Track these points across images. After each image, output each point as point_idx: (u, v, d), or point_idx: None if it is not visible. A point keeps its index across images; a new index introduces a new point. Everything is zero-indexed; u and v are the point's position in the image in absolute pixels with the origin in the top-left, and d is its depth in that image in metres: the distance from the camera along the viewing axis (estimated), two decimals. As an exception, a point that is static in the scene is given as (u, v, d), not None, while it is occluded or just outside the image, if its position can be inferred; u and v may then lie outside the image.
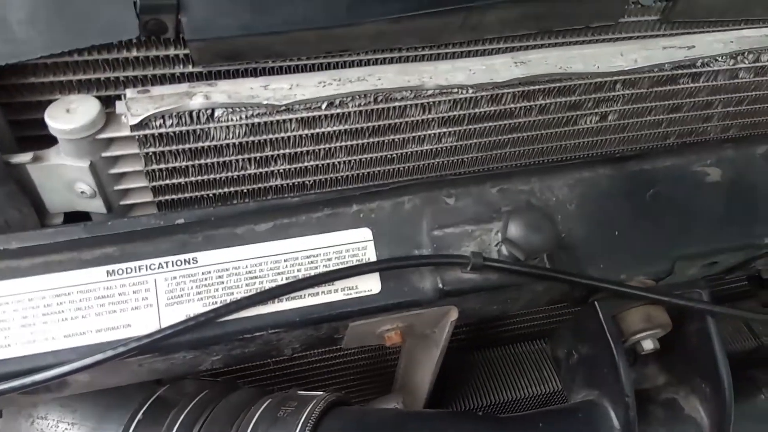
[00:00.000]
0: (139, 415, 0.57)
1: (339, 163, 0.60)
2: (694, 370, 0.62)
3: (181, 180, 0.56)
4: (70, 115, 0.49)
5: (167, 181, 0.55)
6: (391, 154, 0.61)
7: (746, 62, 0.64)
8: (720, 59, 0.63)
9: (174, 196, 0.57)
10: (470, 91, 0.56)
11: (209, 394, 0.61)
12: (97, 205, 0.55)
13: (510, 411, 0.90)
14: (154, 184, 0.55)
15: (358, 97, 0.54)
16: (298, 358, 0.86)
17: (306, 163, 0.58)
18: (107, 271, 0.52)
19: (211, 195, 0.58)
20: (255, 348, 0.56)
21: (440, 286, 0.56)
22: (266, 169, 0.57)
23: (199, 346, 0.53)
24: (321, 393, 0.60)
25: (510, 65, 0.58)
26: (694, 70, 0.62)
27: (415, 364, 0.75)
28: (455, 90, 0.56)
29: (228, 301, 0.52)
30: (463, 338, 0.86)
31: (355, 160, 0.60)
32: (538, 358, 0.88)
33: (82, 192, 0.53)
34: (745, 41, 0.64)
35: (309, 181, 0.61)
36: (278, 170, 0.58)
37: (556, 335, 0.66)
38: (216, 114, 0.52)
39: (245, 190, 0.59)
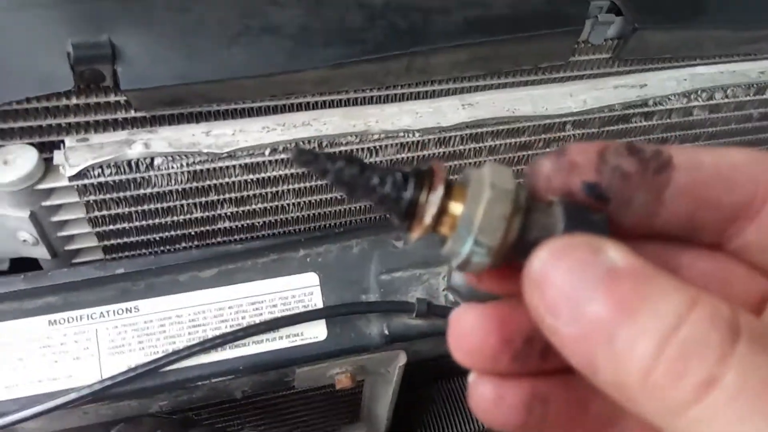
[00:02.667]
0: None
1: (288, 205, 0.59)
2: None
3: (125, 225, 0.55)
4: (7, 167, 0.49)
5: (111, 227, 0.55)
6: (341, 195, 0.60)
7: (700, 100, 0.63)
8: (673, 98, 0.62)
9: (119, 240, 0.57)
10: (416, 135, 0.56)
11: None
12: (41, 252, 0.55)
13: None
14: (98, 230, 0.55)
15: (302, 143, 0.54)
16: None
17: (253, 206, 0.58)
18: (49, 321, 0.52)
19: (157, 238, 0.58)
20: (202, 393, 0.56)
21: (386, 332, 0.56)
22: (213, 213, 0.57)
23: (143, 395, 0.53)
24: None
25: (457, 107, 0.57)
26: (646, 109, 0.62)
27: (374, 397, 0.75)
28: (401, 134, 0.56)
29: (170, 351, 0.52)
30: (426, 370, 0.85)
31: (304, 201, 0.60)
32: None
33: (24, 240, 0.53)
34: (698, 79, 0.63)
35: (258, 223, 0.60)
36: (225, 213, 0.58)
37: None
38: (156, 162, 0.51)
39: (192, 233, 0.59)
